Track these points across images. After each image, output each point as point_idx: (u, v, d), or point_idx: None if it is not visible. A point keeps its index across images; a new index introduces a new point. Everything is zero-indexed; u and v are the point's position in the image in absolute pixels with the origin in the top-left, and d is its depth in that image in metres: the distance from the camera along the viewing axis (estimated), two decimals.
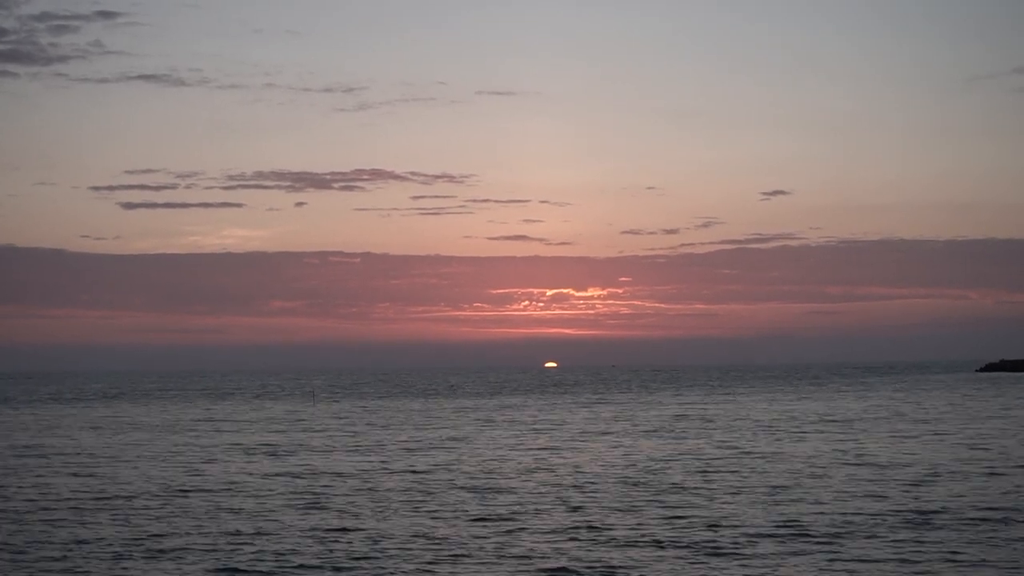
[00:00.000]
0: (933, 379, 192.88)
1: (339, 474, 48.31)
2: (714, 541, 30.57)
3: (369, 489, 42.68)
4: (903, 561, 27.95)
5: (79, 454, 60.22)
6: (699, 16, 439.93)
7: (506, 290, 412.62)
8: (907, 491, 39.92)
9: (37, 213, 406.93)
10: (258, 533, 32.86)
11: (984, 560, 27.95)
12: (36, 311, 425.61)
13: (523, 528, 33.18)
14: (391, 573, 27.46)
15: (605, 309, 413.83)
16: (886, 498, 38.19)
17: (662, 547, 29.92)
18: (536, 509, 36.85)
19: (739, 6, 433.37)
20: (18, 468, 52.79)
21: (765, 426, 74.89)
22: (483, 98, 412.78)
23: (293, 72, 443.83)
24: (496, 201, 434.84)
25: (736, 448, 57.85)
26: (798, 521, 33.56)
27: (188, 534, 32.85)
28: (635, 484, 43.04)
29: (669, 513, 35.51)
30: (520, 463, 51.99)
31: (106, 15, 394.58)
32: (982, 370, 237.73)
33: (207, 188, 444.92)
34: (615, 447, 60.00)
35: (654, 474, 46.49)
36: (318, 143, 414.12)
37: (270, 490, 42.79)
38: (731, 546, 29.89)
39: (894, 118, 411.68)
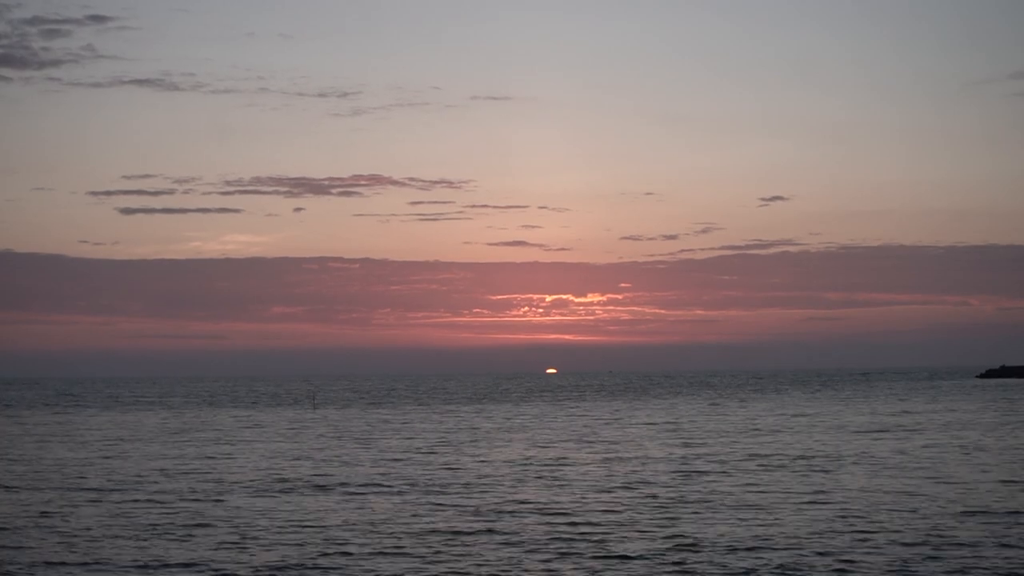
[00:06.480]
0: (947, 385, 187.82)
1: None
2: None
3: None
4: None
5: None
6: (697, 22, 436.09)
7: (506, 296, 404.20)
8: None
9: (35, 218, 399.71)
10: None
11: None
12: (35, 316, 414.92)
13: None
14: None
15: (605, 315, 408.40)
16: None
17: None
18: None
19: (737, 13, 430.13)
20: None
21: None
22: (478, 103, 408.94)
23: (286, 76, 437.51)
24: (495, 207, 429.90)
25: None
26: None
27: None
28: None
29: None
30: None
31: (98, 19, 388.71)
32: (983, 376, 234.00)
33: (205, 194, 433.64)
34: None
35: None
36: (314, 148, 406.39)
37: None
38: None
39: (892, 123, 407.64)
